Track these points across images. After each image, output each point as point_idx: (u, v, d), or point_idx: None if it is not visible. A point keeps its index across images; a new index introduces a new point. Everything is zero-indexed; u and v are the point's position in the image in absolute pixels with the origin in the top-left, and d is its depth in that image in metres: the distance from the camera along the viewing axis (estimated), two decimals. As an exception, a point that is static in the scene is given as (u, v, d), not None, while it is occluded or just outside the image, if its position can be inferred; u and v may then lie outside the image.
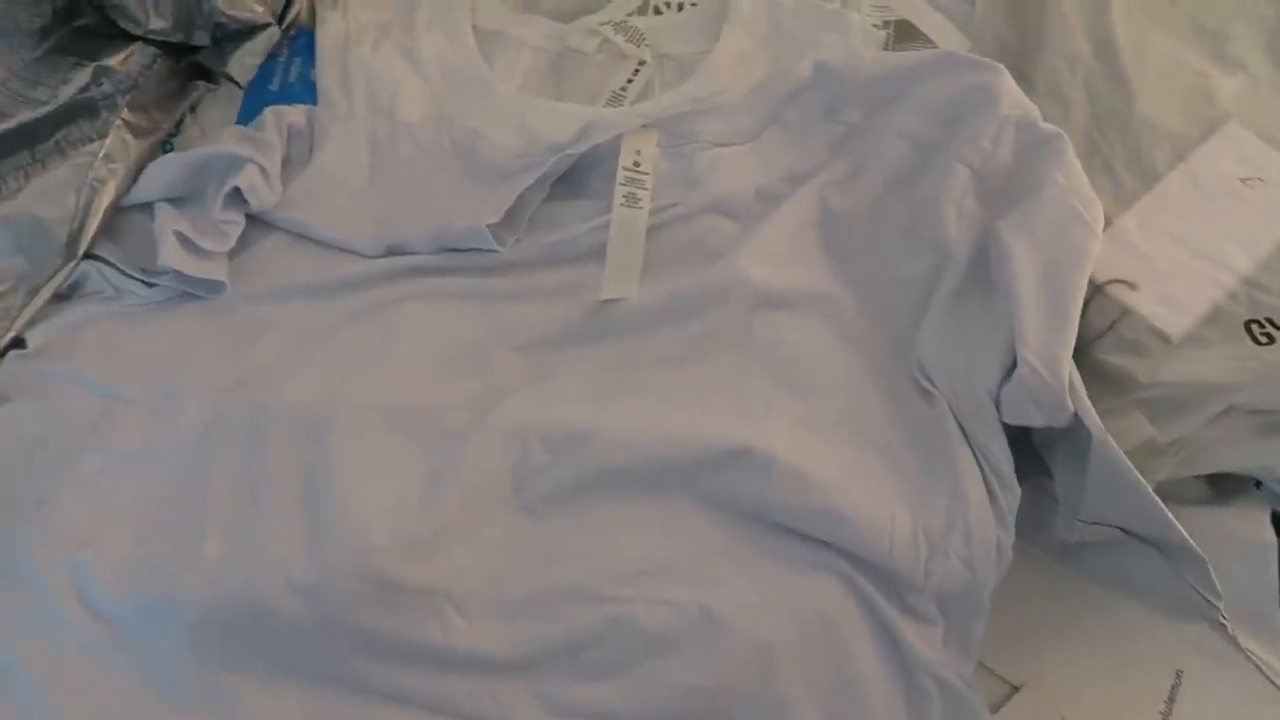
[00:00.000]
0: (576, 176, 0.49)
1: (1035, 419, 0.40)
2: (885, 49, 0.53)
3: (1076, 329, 0.40)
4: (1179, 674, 0.47)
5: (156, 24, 0.50)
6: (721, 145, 0.48)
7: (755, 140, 0.49)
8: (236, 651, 0.39)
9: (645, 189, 0.47)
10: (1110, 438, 0.39)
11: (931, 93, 0.45)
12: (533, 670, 0.39)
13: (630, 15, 0.56)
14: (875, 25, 0.54)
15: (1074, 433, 0.40)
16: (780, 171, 0.48)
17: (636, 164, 0.47)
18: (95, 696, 0.39)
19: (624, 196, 0.47)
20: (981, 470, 0.41)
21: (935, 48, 0.53)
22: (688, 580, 0.40)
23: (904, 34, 0.54)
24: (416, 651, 0.39)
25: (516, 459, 0.42)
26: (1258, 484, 0.44)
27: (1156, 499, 0.39)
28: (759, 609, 0.39)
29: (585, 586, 0.40)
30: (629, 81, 0.53)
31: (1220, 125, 0.46)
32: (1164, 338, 0.42)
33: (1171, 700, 0.47)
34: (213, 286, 0.46)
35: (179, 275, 0.45)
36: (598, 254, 0.46)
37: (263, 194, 0.47)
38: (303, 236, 0.48)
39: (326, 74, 0.53)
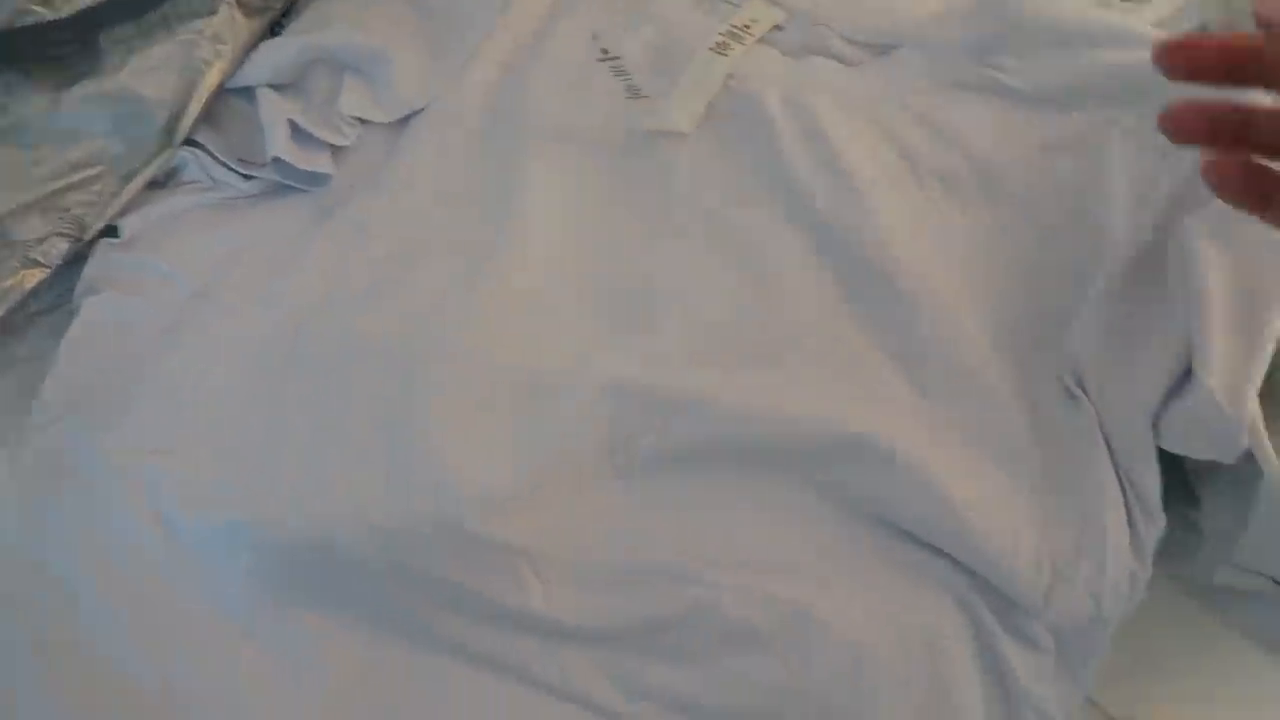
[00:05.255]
0: None
1: (1201, 451, 0.36)
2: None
3: (1269, 358, 0.36)
4: (1299, 721, 0.44)
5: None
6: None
7: (883, 57, 0.43)
8: (303, 585, 0.38)
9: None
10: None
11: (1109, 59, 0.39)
12: (606, 644, 0.38)
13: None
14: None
15: (1239, 467, 0.36)
16: (910, 100, 0.42)
17: (748, 26, 0.44)
18: (156, 613, 0.38)
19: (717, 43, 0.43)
20: (1124, 494, 0.38)
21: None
22: (787, 577, 0.37)
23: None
24: (488, 609, 0.37)
25: (616, 419, 0.39)
26: None
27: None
28: (861, 617, 0.37)
29: (673, 565, 0.38)
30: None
31: None
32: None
33: (1289, 748, 0.43)
34: (316, 179, 0.43)
35: (281, 166, 0.42)
36: None
37: (373, 110, 0.44)
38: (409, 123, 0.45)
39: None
